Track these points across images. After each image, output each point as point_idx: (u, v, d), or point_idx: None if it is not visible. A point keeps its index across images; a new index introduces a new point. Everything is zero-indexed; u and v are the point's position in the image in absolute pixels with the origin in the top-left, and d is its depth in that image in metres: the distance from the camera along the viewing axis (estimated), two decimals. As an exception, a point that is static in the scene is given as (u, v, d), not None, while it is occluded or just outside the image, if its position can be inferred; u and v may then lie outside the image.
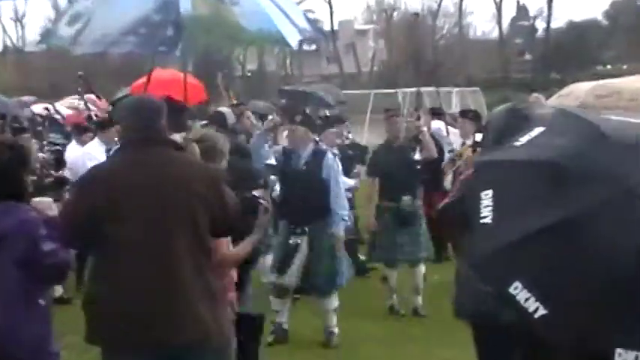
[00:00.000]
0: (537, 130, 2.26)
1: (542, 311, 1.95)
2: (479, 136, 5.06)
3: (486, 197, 2.09)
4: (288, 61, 53.83)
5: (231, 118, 7.97)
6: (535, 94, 7.93)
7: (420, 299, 7.50)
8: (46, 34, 5.67)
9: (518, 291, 1.97)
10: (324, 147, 6.82)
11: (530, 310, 1.96)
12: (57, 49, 6.70)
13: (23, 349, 3.22)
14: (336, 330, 6.53)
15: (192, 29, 4.62)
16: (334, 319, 6.52)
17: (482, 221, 2.06)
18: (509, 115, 2.84)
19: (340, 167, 6.74)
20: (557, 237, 1.98)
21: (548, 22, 51.07)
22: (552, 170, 2.07)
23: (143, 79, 7.02)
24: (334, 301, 6.52)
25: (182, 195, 3.38)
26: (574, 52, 47.15)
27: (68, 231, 3.34)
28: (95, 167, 3.76)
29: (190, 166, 3.57)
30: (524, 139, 2.24)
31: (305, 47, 53.64)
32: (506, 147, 2.27)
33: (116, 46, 4.72)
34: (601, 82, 7.37)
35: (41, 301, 3.31)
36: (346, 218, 6.53)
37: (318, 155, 6.45)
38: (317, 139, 6.84)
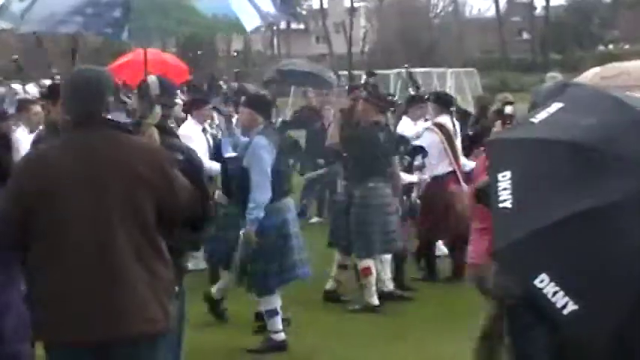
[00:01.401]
0: (555, 106, 2.13)
1: (572, 307, 1.86)
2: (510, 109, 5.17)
3: (504, 179, 1.99)
4: (275, 41, 52.26)
5: (155, 88, 6.53)
6: (552, 74, 8.08)
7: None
8: (0, 10, 5.37)
9: (545, 284, 1.86)
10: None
11: (559, 305, 1.86)
12: (7, 26, 6.34)
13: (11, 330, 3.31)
14: (276, 333, 6.02)
15: (142, 11, 4.60)
16: (273, 324, 5.98)
17: (500, 205, 1.95)
18: (559, 89, 2.79)
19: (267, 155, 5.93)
20: (590, 225, 1.90)
21: (548, 0, 49.60)
22: (582, 152, 1.97)
23: (121, 60, 7.23)
24: (268, 304, 5.98)
25: (123, 180, 3.24)
26: (575, 31, 46.14)
27: (2, 227, 3.27)
28: (28, 154, 3.70)
29: (134, 149, 3.37)
30: (541, 116, 2.11)
31: (293, 26, 52.21)
32: (522, 124, 2.21)
33: (63, 26, 4.69)
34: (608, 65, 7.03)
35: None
36: (255, 215, 5.78)
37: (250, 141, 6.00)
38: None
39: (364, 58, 45.72)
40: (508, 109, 5.22)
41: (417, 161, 7.57)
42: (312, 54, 46.15)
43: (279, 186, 5.87)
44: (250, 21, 4.87)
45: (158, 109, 4.55)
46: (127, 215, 3.23)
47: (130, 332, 3.20)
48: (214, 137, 7.81)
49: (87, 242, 3.18)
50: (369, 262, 6.91)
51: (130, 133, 3.49)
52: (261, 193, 5.76)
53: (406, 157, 7.46)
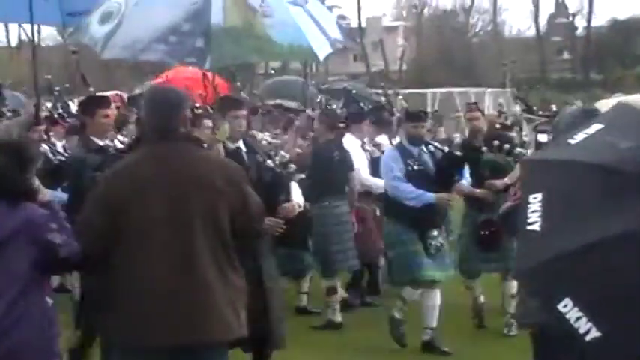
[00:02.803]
0: (595, 127, 2.09)
1: (594, 333, 1.81)
2: (543, 137, 5.19)
3: (535, 201, 1.95)
4: (313, 59, 52.45)
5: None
6: (616, 94, 7.80)
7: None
8: (78, 30, 5.43)
9: (569, 309, 1.83)
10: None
11: (582, 331, 1.82)
12: (86, 47, 6.12)
13: (28, 347, 3.24)
14: None
15: (221, 41, 4.64)
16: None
17: (529, 228, 1.93)
18: (580, 114, 3.15)
19: None
20: (617, 251, 1.84)
21: (589, 20, 49.77)
22: (616, 176, 1.91)
23: (164, 76, 7.16)
24: None
25: (203, 192, 3.37)
26: (616, 50, 45.61)
27: (89, 235, 3.34)
28: (115, 165, 3.76)
29: (211, 163, 3.57)
30: (579, 137, 2.07)
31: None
32: (560, 145, 2.13)
33: (145, 54, 4.71)
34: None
35: (49, 300, 3.35)
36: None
37: None
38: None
39: (402, 76, 45.64)
40: (542, 138, 5.25)
41: None
42: (350, 72, 46.18)
43: None
44: (322, 49, 5.00)
45: (226, 126, 4.65)
46: (207, 225, 3.35)
47: (208, 337, 3.31)
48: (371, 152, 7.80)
49: (169, 248, 3.30)
50: (333, 282, 7.07)
51: (201, 147, 3.67)
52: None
53: None
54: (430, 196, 6.27)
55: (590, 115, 4.17)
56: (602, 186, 1.95)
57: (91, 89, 7.32)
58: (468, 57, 44.95)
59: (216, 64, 5.11)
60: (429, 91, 22.52)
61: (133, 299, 3.31)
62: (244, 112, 5.00)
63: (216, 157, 3.81)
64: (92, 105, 5.33)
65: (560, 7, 52.00)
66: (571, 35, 50.55)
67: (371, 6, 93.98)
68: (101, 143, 5.32)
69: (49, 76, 10.92)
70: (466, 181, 6.69)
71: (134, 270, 3.31)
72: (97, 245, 3.37)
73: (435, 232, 6.33)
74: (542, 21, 51.53)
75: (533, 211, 1.95)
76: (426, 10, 52.36)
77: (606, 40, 47.04)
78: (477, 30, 52.95)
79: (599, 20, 50.73)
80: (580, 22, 50.80)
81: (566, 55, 51.16)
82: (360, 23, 52.12)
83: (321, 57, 5.11)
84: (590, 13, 49.06)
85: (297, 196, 5.46)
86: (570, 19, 50.93)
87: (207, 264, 3.32)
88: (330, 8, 58.60)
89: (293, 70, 51.63)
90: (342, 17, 55.14)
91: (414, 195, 6.26)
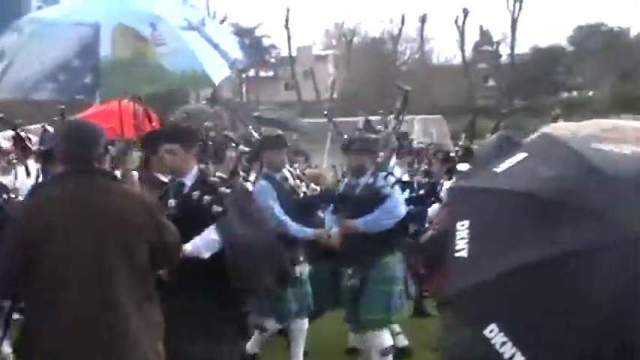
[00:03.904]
0: (519, 156, 2.13)
1: (519, 358, 1.82)
2: (463, 166, 5.22)
3: (462, 228, 1.98)
4: (244, 88, 52.48)
5: None
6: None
7: None
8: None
9: (494, 334, 1.85)
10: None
11: (506, 356, 1.82)
12: None
13: None
14: None
15: (110, 74, 4.58)
16: None
17: (457, 255, 1.94)
18: (500, 142, 3.26)
19: None
20: (539, 277, 1.86)
21: (512, 48, 50.80)
22: (537, 203, 1.96)
23: (91, 110, 7.12)
24: None
25: (120, 228, 3.37)
26: (539, 78, 46.85)
27: (5, 272, 3.35)
28: (28, 201, 3.72)
29: (128, 198, 3.55)
30: (504, 166, 2.11)
31: (262, 73, 52.46)
32: (486, 173, 2.14)
33: (36, 93, 4.63)
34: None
35: None
36: None
37: None
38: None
39: (333, 105, 45.96)
40: (462, 167, 5.33)
41: None
42: (281, 101, 46.27)
43: None
44: (219, 72, 4.89)
45: (135, 155, 4.59)
46: (125, 261, 3.36)
47: None
48: None
49: (86, 284, 3.29)
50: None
51: (117, 181, 3.72)
52: None
53: None
54: (310, 232, 6.10)
55: (510, 142, 4.20)
56: (523, 213, 2.00)
57: (18, 121, 7.22)
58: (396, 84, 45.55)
59: (105, 97, 5.11)
60: (360, 119, 22.68)
61: (48, 337, 3.27)
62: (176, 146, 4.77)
63: (132, 191, 3.78)
64: (155, 140, 5.18)
65: (485, 35, 53.08)
66: (496, 63, 51.70)
67: (301, 35, 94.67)
68: (165, 179, 5.19)
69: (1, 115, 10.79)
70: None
71: (51, 312, 3.29)
72: (12, 283, 3.41)
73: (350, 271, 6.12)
74: (468, 49, 52.72)
75: (461, 238, 1.99)
76: (355, 39, 52.96)
77: (529, 68, 48.29)
78: (405, 58, 53.77)
79: (523, 48, 52.04)
80: (504, 50, 52.11)
81: (491, 82, 52.27)
82: (290, 52, 52.46)
83: (217, 81, 5.00)
84: (513, 41, 50.33)
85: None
86: (495, 47, 52.13)
87: (126, 302, 3.32)
88: (260, 38, 58.59)
89: (224, 99, 51.65)
90: (272, 46, 55.63)
91: (293, 228, 6.06)
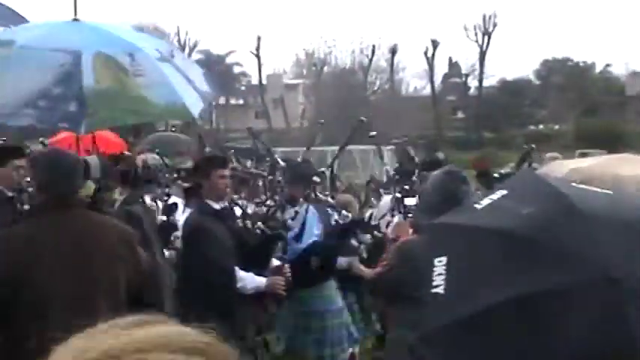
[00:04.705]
0: (499, 193, 2.11)
1: None
2: (410, 200, 5.49)
3: (440, 264, 1.95)
4: (214, 115, 52.46)
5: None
6: (551, 154, 7.63)
7: None
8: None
9: None
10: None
11: None
12: None
13: None
14: None
15: (97, 105, 4.51)
16: None
17: (433, 291, 1.92)
18: (447, 178, 3.78)
19: None
20: (509, 316, 1.83)
21: (481, 80, 51.23)
22: (514, 241, 1.93)
23: (60, 136, 7.11)
24: None
25: (104, 258, 3.40)
26: (507, 110, 47.41)
27: None
28: (10, 232, 3.61)
29: (109, 228, 3.57)
30: (485, 202, 2.07)
31: (232, 101, 52.42)
32: (465, 210, 2.13)
33: (14, 119, 4.53)
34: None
35: None
36: None
37: None
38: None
39: (302, 133, 46.05)
40: (409, 201, 5.27)
41: None
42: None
43: None
44: (196, 104, 4.88)
45: (90, 183, 4.58)
46: (109, 289, 3.40)
47: None
48: None
49: (72, 315, 3.11)
50: None
51: (98, 211, 3.72)
52: None
53: None
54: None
55: (457, 178, 4.00)
56: (500, 251, 1.99)
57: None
58: (366, 114, 45.70)
59: (92, 128, 5.02)
60: (330, 149, 22.76)
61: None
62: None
63: (111, 221, 3.76)
64: (208, 165, 5.22)
65: (454, 67, 53.69)
66: (464, 95, 52.27)
67: (271, 63, 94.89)
68: (217, 207, 5.13)
69: None
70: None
71: (34, 340, 3.21)
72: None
73: None
74: (438, 80, 53.23)
75: (438, 274, 1.98)
76: (325, 68, 53.23)
77: (497, 100, 48.87)
78: (375, 88, 54.05)
79: (491, 81, 52.70)
80: (473, 82, 52.72)
81: (460, 114, 52.75)
82: (260, 80, 52.58)
83: (195, 113, 4.92)
84: (481, 73, 50.97)
85: None
86: (463, 79, 52.73)
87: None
88: (231, 65, 58.43)
89: (194, 127, 51.47)
90: (242, 74, 55.63)
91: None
